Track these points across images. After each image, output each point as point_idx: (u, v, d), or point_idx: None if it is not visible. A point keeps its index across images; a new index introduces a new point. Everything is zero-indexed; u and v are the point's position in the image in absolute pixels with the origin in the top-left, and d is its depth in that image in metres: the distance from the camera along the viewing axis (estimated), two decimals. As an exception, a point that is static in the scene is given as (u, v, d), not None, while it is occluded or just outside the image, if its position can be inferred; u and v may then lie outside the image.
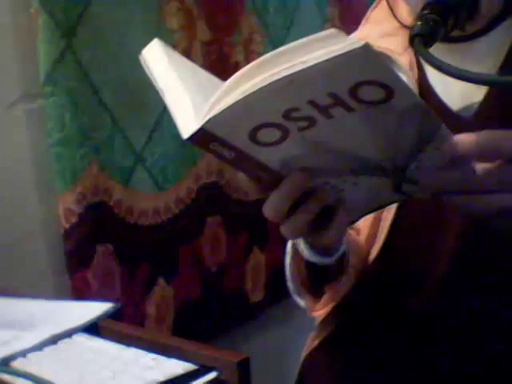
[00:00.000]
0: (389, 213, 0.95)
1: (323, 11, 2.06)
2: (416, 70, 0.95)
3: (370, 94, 0.60)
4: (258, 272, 1.88)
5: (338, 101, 0.60)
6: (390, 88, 0.59)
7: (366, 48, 0.55)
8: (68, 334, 0.91)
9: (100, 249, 1.43)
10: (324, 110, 0.61)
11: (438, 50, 0.84)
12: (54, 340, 0.90)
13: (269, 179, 0.70)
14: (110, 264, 1.45)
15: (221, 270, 1.75)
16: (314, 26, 2.01)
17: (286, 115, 0.62)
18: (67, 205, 1.36)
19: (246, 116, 0.61)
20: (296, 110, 0.61)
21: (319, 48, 0.57)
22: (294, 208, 0.72)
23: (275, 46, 1.85)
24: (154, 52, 0.73)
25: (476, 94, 0.90)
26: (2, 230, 1.30)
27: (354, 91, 0.59)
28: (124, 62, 1.43)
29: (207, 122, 0.61)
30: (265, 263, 1.88)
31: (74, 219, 1.37)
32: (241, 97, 0.59)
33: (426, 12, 0.78)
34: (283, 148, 0.65)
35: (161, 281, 1.58)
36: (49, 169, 1.34)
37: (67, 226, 1.36)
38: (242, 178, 0.72)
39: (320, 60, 0.56)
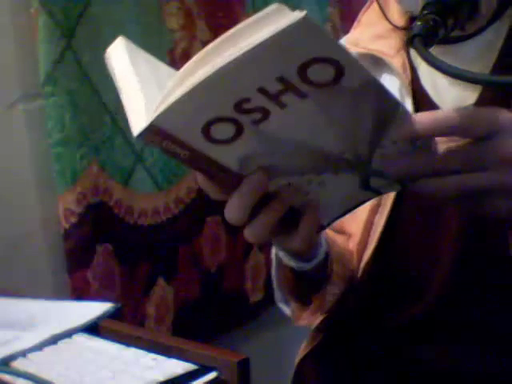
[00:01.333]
0: (381, 217, 0.94)
1: (324, 11, 2.06)
2: (409, 72, 0.94)
3: (319, 73, 0.58)
4: (257, 272, 1.87)
5: (288, 86, 0.59)
6: (338, 64, 0.57)
7: (306, 20, 0.54)
8: (68, 333, 0.91)
9: (100, 249, 1.43)
10: (275, 98, 0.60)
11: (431, 51, 0.84)
12: (54, 340, 0.90)
13: (229, 180, 0.67)
14: (110, 264, 1.45)
15: (220, 269, 1.75)
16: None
17: (238, 107, 0.60)
18: (67, 205, 1.36)
19: (195, 110, 0.59)
20: (247, 100, 0.59)
21: (262, 28, 0.55)
22: (256, 211, 0.69)
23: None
24: (116, 50, 0.72)
25: (469, 97, 0.90)
26: (2, 229, 1.30)
27: (302, 72, 0.57)
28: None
29: (156, 118, 0.59)
30: (264, 263, 1.88)
31: (73, 219, 1.37)
32: (187, 90, 0.57)
33: (425, 12, 0.78)
34: (239, 145, 0.63)
35: (160, 281, 1.58)
36: (49, 169, 1.34)
37: (67, 226, 1.36)
38: (200, 179, 0.70)
39: (260, 40, 0.54)
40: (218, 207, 1.81)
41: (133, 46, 0.72)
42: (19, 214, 1.33)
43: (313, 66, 0.57)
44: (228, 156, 0.65)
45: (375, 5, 1.00)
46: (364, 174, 0.69)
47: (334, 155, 0.67)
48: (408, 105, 0.92)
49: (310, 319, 0.97)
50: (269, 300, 1.89)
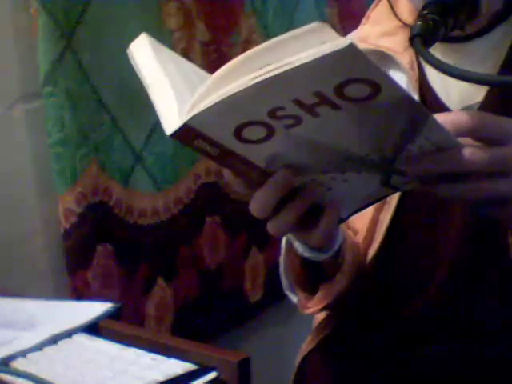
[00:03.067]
0: (386, 214, 0.94)
1: (322, 12, 2.06)
2: (416, 70, 0.94)
3: (356, 91, 0.59)
4: (256, 272, 1.88)
5: (323, 99, 0.60)
6: (376, 84, 0.59)
7: (351, 47, 0.54)
8: (68, 333, 0.91)
9: (100, 249, 1.43)
10: (310, 109, 0.61)
11: (437, 50, 0.84)
12: (54, 340, 0.90)
13: (255, 176, 0.69)
14: (110, 264, 1.45)
15: (220, 269, 1.75)
16: (313, 27, 2.01)
17: (271, 114, 0.61)
18: (67, 205, 1.35)
19: (230, 114, 0.61)
20: (281, 108, 0.60)
21: (304, 44, 0.56)
22: (280, 205, 0.71)
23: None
24: (141, 47, 0.72)
25: (476, 94, 0.90)
26: (2, 230, 1.30)
27: (339, 89, 0.58)
28: (123, 62, 1.42)
29: (191, 118, 0.60)
30: (263, 263, 1.88)
31: (73, 219, 1.36)
32: (225, 96, 0.58)
33: (425, 12, 0.78)
34: (269, 145, 0.65)
35: (160, 281, 1.58)
36: (49, 169, 1.34)
37: (67, 226, 1.36)
38: (227, 174, 0.71)
39: (305, 61, 0.55)
40: (217, 207, 1.82)
41: (156, 43, 0.73)
42: (19, 214, 1.33)
43: (351, 84, 0.58)
44: (257, 154, 0.66)
45: (384, 2, 1.00)
46: (386, 173, 0.70)
47: (359, 156, 0.68)
48: None
49: (316, 308, 0.98)
50: (268, 300, 1.89)
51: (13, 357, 0.85)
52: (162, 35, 1.54)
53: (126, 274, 1.49)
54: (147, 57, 0.71)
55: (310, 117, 0.62)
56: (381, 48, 0.97)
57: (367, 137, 0.66)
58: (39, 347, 0.88)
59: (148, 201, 1.54)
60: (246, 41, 1.79)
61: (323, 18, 2.05)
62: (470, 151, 0.66)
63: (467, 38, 0.90)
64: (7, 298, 1.05)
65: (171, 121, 0.63)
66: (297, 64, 0.56)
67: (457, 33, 0.84)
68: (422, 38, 0.75)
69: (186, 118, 0.61)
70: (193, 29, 1.63)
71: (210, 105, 0.59)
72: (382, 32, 0.99)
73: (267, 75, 0.57)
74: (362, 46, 0.99)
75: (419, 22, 0.77)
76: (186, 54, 1.59)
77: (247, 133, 0.63)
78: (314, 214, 0.74)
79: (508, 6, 0.88)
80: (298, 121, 0.62)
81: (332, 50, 0.54)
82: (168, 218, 1.59)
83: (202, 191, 1.67)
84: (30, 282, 1.32)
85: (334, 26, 2.06)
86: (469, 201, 0.71)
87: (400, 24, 0.96)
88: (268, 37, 1.85)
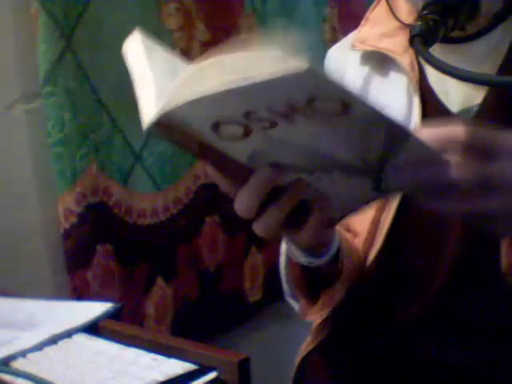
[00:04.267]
0: (387, 216, 0.94)
1: (321, 12, 2.06)
2: (417, 71, 0.94)
3: (326, 107, 0.59)
4: (256, 272, 1.88)
5: (296, 110, 0.60)
6: (345, 102, 0.59)
7: (310, 71, 0.55)
8: (68, 333, 0.91)
9: (100, 249, 1.43)
10: (284, 116, 0.60)
11: (437, 50, 0.84)
12: (54, 340, 0.89)
13: (238, 173, 0.68)
14: (110, 264, 1.45)
15: (219, 269, 1.76)
16: (312, 27, 2.01)
17: (246, 116, 0.61)
18: (67, 205, 1.36)
19: (205, 111, 0.61)
20: (255, 112, 0.60)
21: (270, 62, 0.56)
22: (266, 205, 0.70)
23: (273, 47, 1.85)
24: (133, 43, 0.72)
25: (476, 95, 0.90)
26: (2, 230, 1.30)
27: (310, 103, 0.58)
28: (122, 62, 1.42)
29: (164, 113, 0.61)
30: (263, 263, 1.88)
31: (73, 219, 1.37)
32: (197, 97, 0.58)
33: (425, 12, 0.78)
34: (247, 143, 0.64)
35: (160, 281, 1.59)
36: (49, 169, 1.34)
37: (67, 226, 1.36)
38: (211, 171, 0.70)
39: (263, 78, 0.55)
40: (217, 207, 1.82)
41: (149, 41, 0.73)
42: (19, 214, 1.33)
43: (319, 100, 0.58)
44: (237, 151, 0.66)
45: (383, 2, 1.00)
46: (375, 178, 0.69)
47: (343, 161, 0.67)
48: (415, 102, 0.92)
49: (318, 315, 0.98)
50: (267, 299, 1.89)
51: (13, 357, 0.85)
52: (161, 35, 1.54)
53: (126, 274, 1.49)
54: (137, 53, 0.71)
55: (286, 123, 0.61)
56: (380, 49, 0.97)
57: (346, 146, 0.65)
58: (39, 347, 0.88)
59: (147, 201, 1.55)
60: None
61: (323, 18, 2.06)
62: (455, 163, 0.64)
63: (467, 39, 0.90)
64: (7, 298, 1.05)
65: (147, 115, 0.63)
66: (254, 80, 0.56)
67: (457, 33, 0.85)
68: (422, 39, 0.75)
69: (159, 114, 0.61)
70: (192, 29, 1.63)
71: (182, 103, 0.59)
72: (381, 33, 0.98)
73: (233, 85, 0.57)
74: (361, 47, 0.99)
75: (419, 23, 0.77)
76: (185, 54, 1.59)
77: (225, 130, 0.62)
78: (303, 213, 0.73)
79: (508, 7, 0.88)
80: (273, 124, 0.62)
81: (290, 72, 0.55)
82: (167, 218, 1.60)
83: (201, 191, 1.68)
84: (30, 281, 1.32)
85: (333, 26, 2.07)
86: (455, 215, 0.70)
87: (399, 25, 0.96)
88: (267, 37, 1.85)
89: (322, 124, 0.61)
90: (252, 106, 0.60)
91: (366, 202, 0.76)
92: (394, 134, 0.63)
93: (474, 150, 0.64)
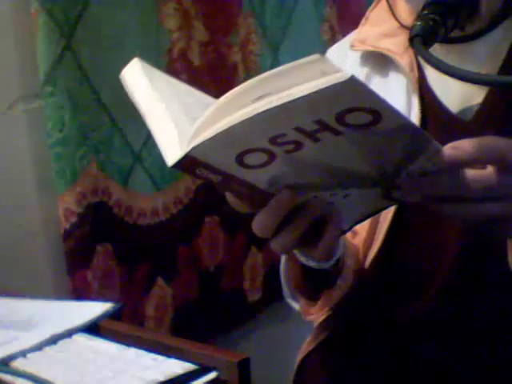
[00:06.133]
0: (386, 216, 0.94)
1: (320, 12, 2.06)
2: (416, 71, 0.94)
3: (357, 118, 0.59)
4: (255, 271, 1.88)
5: (325, 126, 0.60)
6: (377, 112, 0.59)
7: (352, 80, 0.55)
8: (68, 333, 0.91)
9: (100, 249, 1.43)
10: (311, 135, 0.61)
11: (437, 51, 0.84)
12: (54, 340, 0.90)
13: (257, 198, 0.69)
14: (110, 264, 1.45)
15: (219, 269, 1.76)
16: (311, 27, 2.01)
17: (273, 140, 0.61)
18: (67, 205, 1.36)
19: (231, 144, 0.61)
20: (282, 135, 0.61)
21: (305, 76, 0.56)
22: (282, 224, 0.71)
23: (272, 47, 1.85)
24: (133, 72, 0.72)
25: (476, 96, 0.90)
26: (2, 230, 1.30)
27: (341, 117, 0.59)
28: (122, 62, 1.42)
29: (192, 149, 0.60)
30: (263, 263, 1.89)
31: (73, 219, 1.37)
32: (226, 127, 0.58)
33: (425, 12, 0.78)
34: (270, 169, 0.65)
35: (160, 281, 1.59)
36: (49, 169, 1.34)
37: (67, 226, 1.36)
38: (230, 198, 0.71)
39: (306, 93, 0.55)
40: (216, 207, 1.82)
41: (149, 67, 0.72)
42: (19, 214, 1.34)
43: (351, 113, 0.58)
44: (258, 177, 0.66)
45: (383, 2, 1.00)
46: (387, 187, 0.70)
47: (360, 174, 0.68)
48: (415, 103, 0.93)
49: (319, 314, 0.98)
50: (266, 299, 1.90)
51: (13, 357, 0.85)
52: (160, 35, 1.54)
53: (126, 274, 1.49)
54: (141, 83, 0.70)
55: (311, 142, 0.62)
56: (380, 49, 0.97)
57: (368, 158, 0.66)
58: (39, 347, 0.88)
59: (147, 201, 1.55)
60: (244, 41, 1.79)
61: (322, 18, 2.06)
62: (470, 178, 0.66)
63: (467, 39, 0.90)
64: (7, 298, 1.05)
65: (172, 151, 0.63)
66: (297, 96, 0.56)
67: (457, 33, 0.84)
68: (421, 38, 0.75)
69: (187, 149, 0.61)
70: (191, 29, 1.63)
71: (211, 135, 0.59)
72: (381, 33, 0.98)
73: (267, 106, 0.57)
74: (361, 47, 0.98)
75: (419, 22, 0.77)
76: (184, 54, 1.60)
77: (248, 159, 0.63)
78: (316, 228, 0.74)
79: (507, 7, 0.88)
80: (299, 146, 0.62)
81: (333, 83, 0.55)
82: (167, 218, 1.60)
83: (200, 191, 1.68)
84: (30, 282, 1.32)
85: (332, 26, 2.07)
86: (469, 219, 0.72)
87: (399, 25, 0.96)
88: (266, 37, 1.85)
89: (348, 139, 0.62)
90: (281, 129, 0.60)
91: (376, 210, 0.77)
92: (416, 142, 0.64)
93: (487, 162, 0.66)
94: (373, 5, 1.03)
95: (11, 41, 1.30)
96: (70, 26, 1.34)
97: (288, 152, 0.63)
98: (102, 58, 1.42)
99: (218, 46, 1.70)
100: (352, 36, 1.04)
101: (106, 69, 1.42)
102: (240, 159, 0.63)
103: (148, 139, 1.52)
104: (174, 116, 0.66)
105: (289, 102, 0.56)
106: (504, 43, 0.90)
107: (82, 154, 1.37)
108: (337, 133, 0.61)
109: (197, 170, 0.64)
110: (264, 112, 0.57)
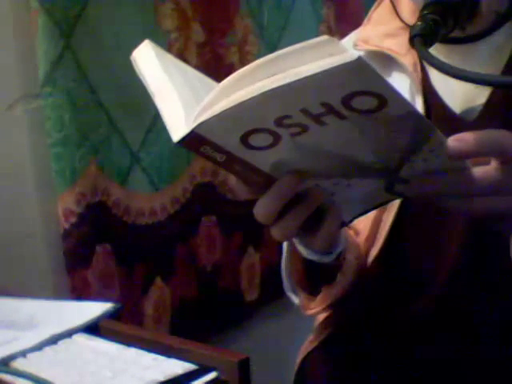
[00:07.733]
0: (389, 214, 0.94)
1: (318, 12, 2.06)
2: (420, 71, 0.94)
3: (363, 103, 0.59)
4: (252, 271, 1.88)
5: (330, 109, 0.60)
6: (383, 97, 0.59)
7: (360, 60, 0.55)
8: (68, 333, 0.91)
9: (99, 249, 1.43)
10: (316, 118, 0.61)
11: (440, 51, 0.84)
12: (54, 340, 0.90)
13: (260, 181, 0.69)
14: (109, 264, 1.46)
15: (216, 269, 1.76)
16: (309, 27, 2.01)
17: (278, 122, 0.61)
18: (66, 205, 1.36)
19: (237, 122, 0.61)
20: (288, 117, 0.61)
21: (313, 56, 0.56)
22: (284, 211, 0.71)
23: (270, 48, 1.85)
24: (144, 54, 0.72)
25: (479, 96, 0.90)
26: (2, 230, 1.30)
27: (347, 101, 0.59)
28: (120, 63, 1.43)
29: (198, 125, 0.61)
30: (260, 262, 1.89)
31: (73, 219, 1.37)
32: (232, 104, 0.59)
33: (425, 12, 0.78)
34: (274, 151, 0.65)
35: (158, 280, 1.59)
36: (48, 169, 1.34)
37: (67, 225, 1.36)
38: (233, 180, 0.71)
39: (313, 72, 0.56)
40: (213, 207, 1.82)
41: (159, 49, 0.73)
42: (19, 214, 1.34)
43: (358, 97, 0.59)
44: (262, 160, 0.67)
45: (386, 2, 1.00)
46: (390, 180, 0.70)
47: (364, 163, 0.68)
48: (418, 103, 0.93)
49: (318, 309, 0.98)
50: (264, 299, 1.90)
51: (13, 357, 0.85)
52: (157, 36, 1.55)
53: (124, 273, 1.49)
54: (152, 64, 0.70)
55: (317, 125, 0.62)
56: (383, 49, 0.97)
57: (372, 146, 0.66)
58: (39, 347, 0.88)
59: (145, 201, 1.55)
60: (242, 41, 1.79)
61: (319, 19, 2.06)
62: (476, 175, 0.66)
63: (471, 39, 0.90)
64: (7, 298, 1.05)
65: (178, 128, 0.63)
66: (304, 75, 0.56)
67: (458, 33, 0.85)
68: (422, 38, 0.75)
69: (193, 125, 0.61)
70: (188, 29, 1.63)
71: (217, 112, 0.60)
72: (384, 33, 0.98)
73: (274, 84, 0.57)
74: (364, 47, 0.98)
75: (419, 22, 0.77)
76: (181, 54, 1.59)
77: (253, 139, 0.63)
78: (317, 217, 0.74)
79: (511, 8, 0.88)
80: (304, 129, 0.62)
81: (340, 63, 0.55)
82: (165, 218, 1.60)
83: (197, 191, 1.68)
84: (30, 281, 1.32)
85: (330, 27, 2.07)
86: (474, 215, 0.72)
87: (402, 25, 0.96)
88: (263, 38, 1.85)
89: (353, 124, 0.62)
90: (287, 110, 0.60)
91: (378, 203, 0.77)
92: (420, 131, 0.64)
93: (493, 155, 0.66)
94: (375, 5, 1.03)
95: (11, 41, 1.30)
96: (70, 25, 1.34)
97: (293, 135, 0.63)
98: (102, 58, 1.42)
99: (215, 47, 1.70)
100: (354, 36, 1.04)
101: (105, 69, 1.42)
102: (245, 139, 0.63)
103: (145, 139, 1.52)
104: (182, 96, 0.66)
105: (295, 81, 0.56)
106: (507, 44, 0.90)
107: (81, 153, 1.37)
108: (342, 117, 0.61)
109: (201, 148, 0.64)
110: (271, 90, 0.57)
